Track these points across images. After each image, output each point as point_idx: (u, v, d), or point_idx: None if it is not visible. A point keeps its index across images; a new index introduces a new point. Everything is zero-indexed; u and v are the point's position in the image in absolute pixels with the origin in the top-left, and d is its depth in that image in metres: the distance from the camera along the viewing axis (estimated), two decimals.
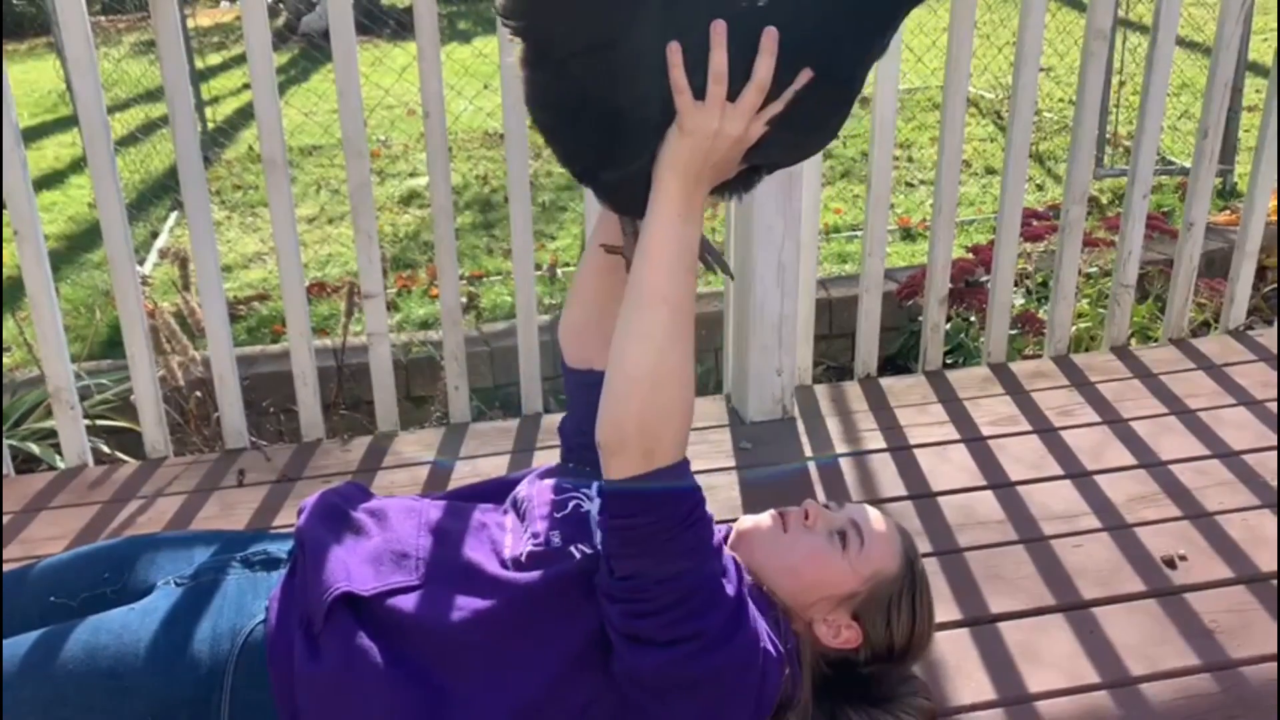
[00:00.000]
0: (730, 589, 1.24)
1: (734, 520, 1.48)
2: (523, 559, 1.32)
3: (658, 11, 1.07)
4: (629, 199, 1.16)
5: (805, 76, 1.07)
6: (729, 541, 1.45)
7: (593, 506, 1.39)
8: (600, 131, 1.13)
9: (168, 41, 2.06)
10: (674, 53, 1.06)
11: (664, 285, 1.15)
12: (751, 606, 1.27)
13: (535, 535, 1.35)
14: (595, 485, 1.51)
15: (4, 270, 4.08)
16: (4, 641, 1.30)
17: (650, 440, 1.16)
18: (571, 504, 1.41)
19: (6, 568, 1.70)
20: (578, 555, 1.30)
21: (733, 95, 1.07)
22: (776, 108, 1.09)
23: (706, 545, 1.23)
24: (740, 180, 1.19)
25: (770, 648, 1.26)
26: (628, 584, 1.21)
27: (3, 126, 2.04)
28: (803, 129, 1.13)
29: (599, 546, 1.29)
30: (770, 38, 1.05)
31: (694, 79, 1.06)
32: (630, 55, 1.08)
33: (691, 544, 1.21)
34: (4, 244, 4.06)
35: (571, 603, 1.27)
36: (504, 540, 1.38)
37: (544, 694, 1.26)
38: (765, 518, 1.43)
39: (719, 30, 1.05)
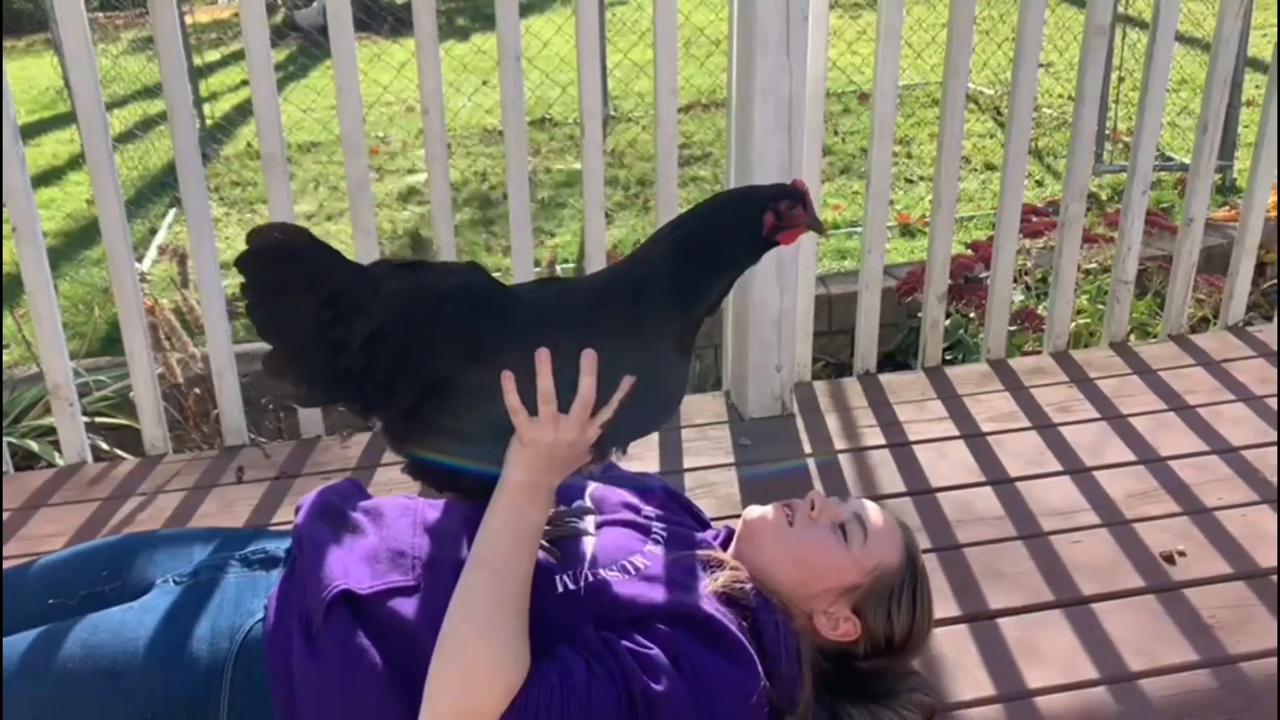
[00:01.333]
0: (638, 713, 1.19)
1: (736, 517, 1.49)
2: None
3: (471, 350, 1.24)
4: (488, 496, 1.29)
5: (627, 384, 1.23)
6: (735, 535, 1.46)
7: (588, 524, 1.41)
8: (450, 451, 1.30)
9: (166, 38, 2.06)
10: (507, 380, 1.21)
11: (487, 550, 1.23)
12: (711, 661, 1.24)
13: None
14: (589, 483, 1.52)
15: (3, 267, 4.07)
16: (4, 639, 1.30)
17: (467, 702, 1.16)
18: (575, 503, 1.42)
19: (5, 565, 1.69)
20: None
21: (564, 408, 1.21)
22: (606, 414, 1.23)
23: None
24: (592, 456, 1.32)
25: (744, 694, 1.24)
26: None
27: (2, 123, 2.03)
28: (636, 422, 1.29)
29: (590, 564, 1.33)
30: (590, 359, 1.21)
31: (526, 400, 1.22)
32: (465, 389, 1.25)
33: None
34: (3, 241, 4.06)
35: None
36: None
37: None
38: (770, 510, 1.44)
39: (543, 358, 1.21)
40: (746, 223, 1.26)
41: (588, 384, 1.21)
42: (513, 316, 1.27)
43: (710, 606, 1.30)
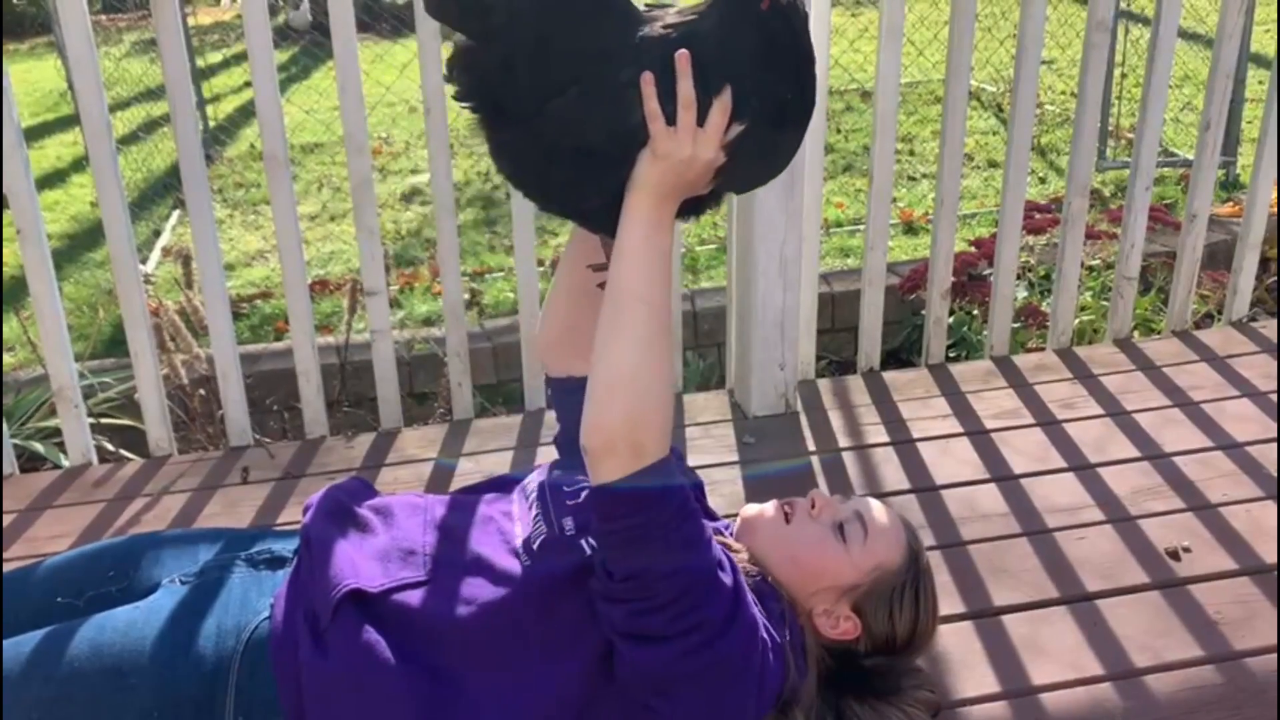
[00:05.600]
0: (727, 579, 1.24)
1: (737, 515, 1.49)
2: (534, 546, 1.33)
3: (604, 51, 1.14)
4: (611, 222, 1.20)
5: (750, 109, 1.14)
6: (734, 530, 1.46)
7: None
8: (572, 171, 1.19)
9: (168, 40, 2.06)
10: (648, 83, 1.11)
11: (641, 286, 1.18)
12: (749, 594, 1.27)
13: (547, 521, 1.36)
14: None
15: (8, 270, 4.08)
16: (10, 640, 1.30)
17: (637, 437, 1.17)
18: (584, 493, 1.41)
19: (12, 566, 1.70)
20: (588, 550, 1.30)
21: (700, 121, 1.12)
22: (736, 129, 1.14)
23: (701, 537, 1.23)
24: (693, 206, 1.24)
25: (767, 636, 1.27)
26: (630, 584, 1.21)
27: (5, 125, 2.04)
28: (760, 154, 1.21)
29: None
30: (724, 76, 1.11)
31: (664, 108, 1.12)
32: (592, 97, 1.15)
33: (687, 537, 1.21)
34: (6, 243, 4.07)
35: (583, 599, 1.27)
36: (513, 529, 1.38)
37: (554, 692, 1.26)
38: (770, 507, 1.44)
39: (684, 60, 1.10)
40: None
41: (727, 93, 1.12)
42: (640, 22, 1.17)
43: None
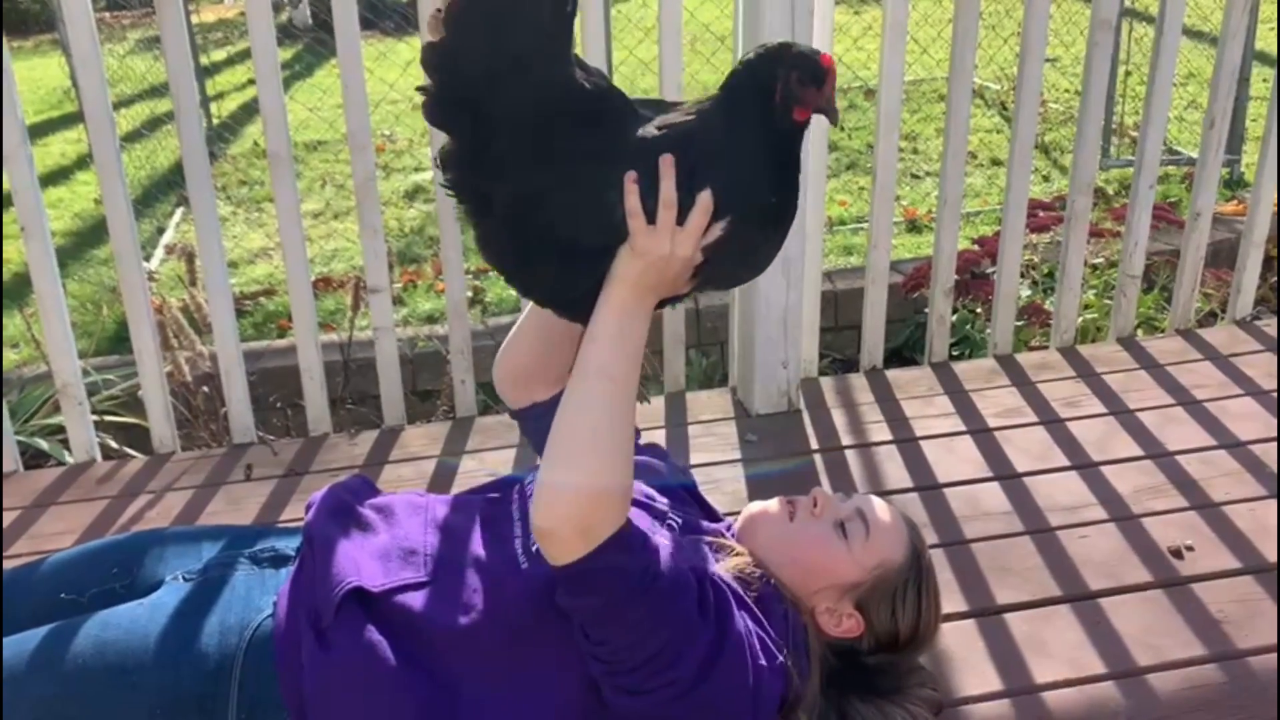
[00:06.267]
0: (705, 631, 1.22)
1: (739, 513, 1.49)
2: (534, 548, 1.33)
3: (590, 153, 1.17)
4: (588, 312, 1.22)
5: (731, 212, 1.16)
6: (736, 528, 1.46)
7: None
8: (554, 264, 1.22)
9: (172, 37, 2.07)
10: (630, 181, 1.14)
11: (608, 363, 1.18)
12: (738, 624, 1.26)
13: None
14: None
15: (12, 267, 4.09)
16: (14, 637, 1.31)
17: (588, 521, 1.16)
18: None
19: (16, 563, 1.70)
20: None
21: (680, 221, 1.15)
22: (716, 231, 1.16)
23: (667, 602, 1.21)
24: (679, 295, 1.26)
25: (765, 660, 1.26)
26: (601, 648, 1.22)
27: (9, 123, 2.04)
28: (739, 255, 1.22)
29: None
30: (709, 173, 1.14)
31: (645, 207, 1.15)
32: (577, 195, 1.18)
33: (649, 608, 1.20)
34: (11, 240, 4.07)
35: None
36: (514, 531, 1.38)
37: (554, 701, 1.27)
38: (773, 504, 1.44)
39: (668, 163, 1.14)
40: (762, 87, 1.17)
41: (708, 194, 1.14)
42: (632, 123, 1.20)
43: (726, 578, 1.31)
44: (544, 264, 1.22)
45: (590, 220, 1.18)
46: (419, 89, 1.16)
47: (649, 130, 1.19)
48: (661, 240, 1.15)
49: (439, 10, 1.12)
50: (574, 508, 1.16)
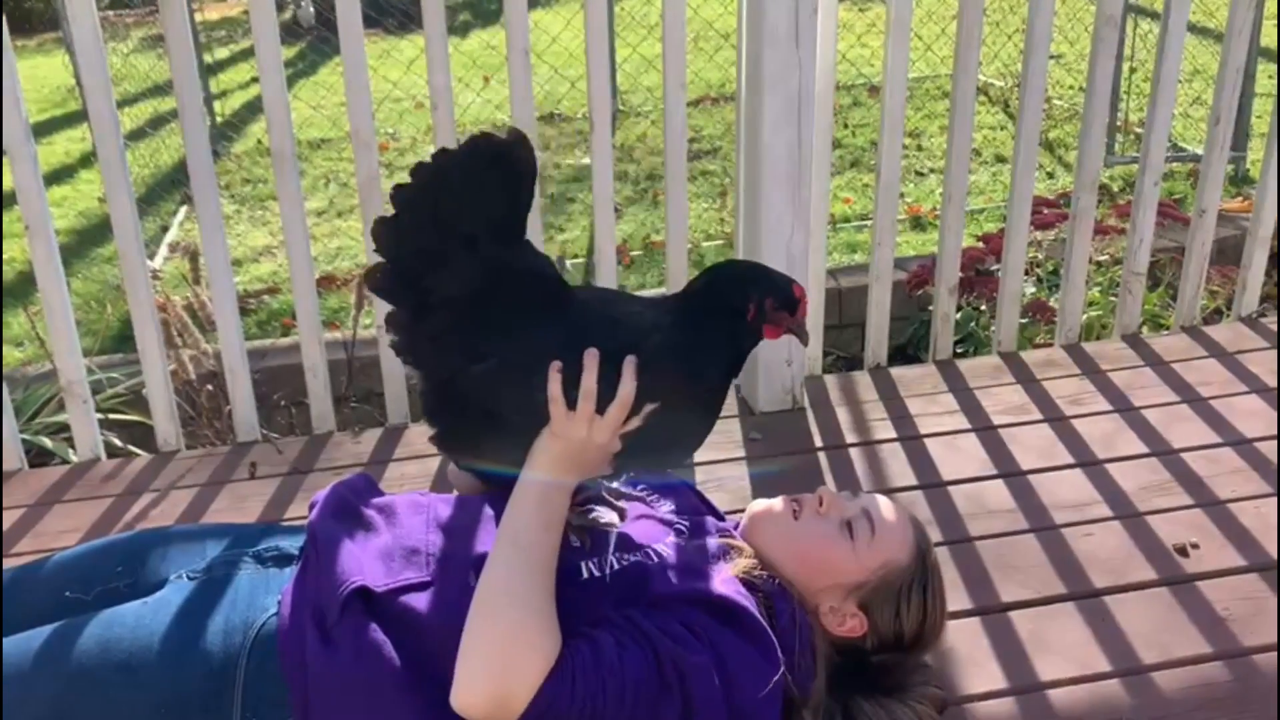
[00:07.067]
0: (670, 702, 1.20)
1: (744, 510, 1.49)
2: None
3: (523, 336, 1.28)
4: (509, 486, 1.30)
5: (652, 406, 1.26)
6: (741, 526, 1.46)
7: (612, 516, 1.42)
8: (478, 428, 1.33)
9: (176, 36, 2.07)
10: (555, 370, 1.24)
11: (521, 530, 1.25)
12: (706, 680, 1.22)
13: None
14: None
15: (17, 266, 4.09)
16: (19, 636, 1.31)
17: (499, 687, 1.15)
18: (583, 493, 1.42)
19: (20, 561, 1.71)
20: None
21: (600, 410, 1.24)
22: (635, 423, 1.26)
23: (620, 701, 1.18)
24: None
25: (753, 690, 1.24)
26: None
27: (13, 122, 2.04)
28: (657, 449, 1.33)
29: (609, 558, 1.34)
30: (632, 365, 1.24)
31: (567, 394, 1.25)
32: (504, 373, 1.28)
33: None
34: (15, 239, 4.08)
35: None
36: None
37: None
38: (778, 502, 1.44)
39: (592, 357, 1.24)
40: (734, 302, 1.29)
41: (628, 389, 1.24)
42: (568, 311, 1.31)
43: (731, 589, 1.30)
44: (470, 426, 1.33)
45: (516, 398, 1.28)
46: (370, 268, 1.30)
47: (590, 317, 1.31)
48: (579, 426, 1.24)
49: (395, 187, 1.26)
50: (488, 669, 1.16)
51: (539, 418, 1.27)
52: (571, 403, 1.24)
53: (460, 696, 1.16)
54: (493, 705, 1.15)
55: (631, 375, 1.24)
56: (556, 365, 1.24)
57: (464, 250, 1.26)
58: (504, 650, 1.16)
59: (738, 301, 1.29)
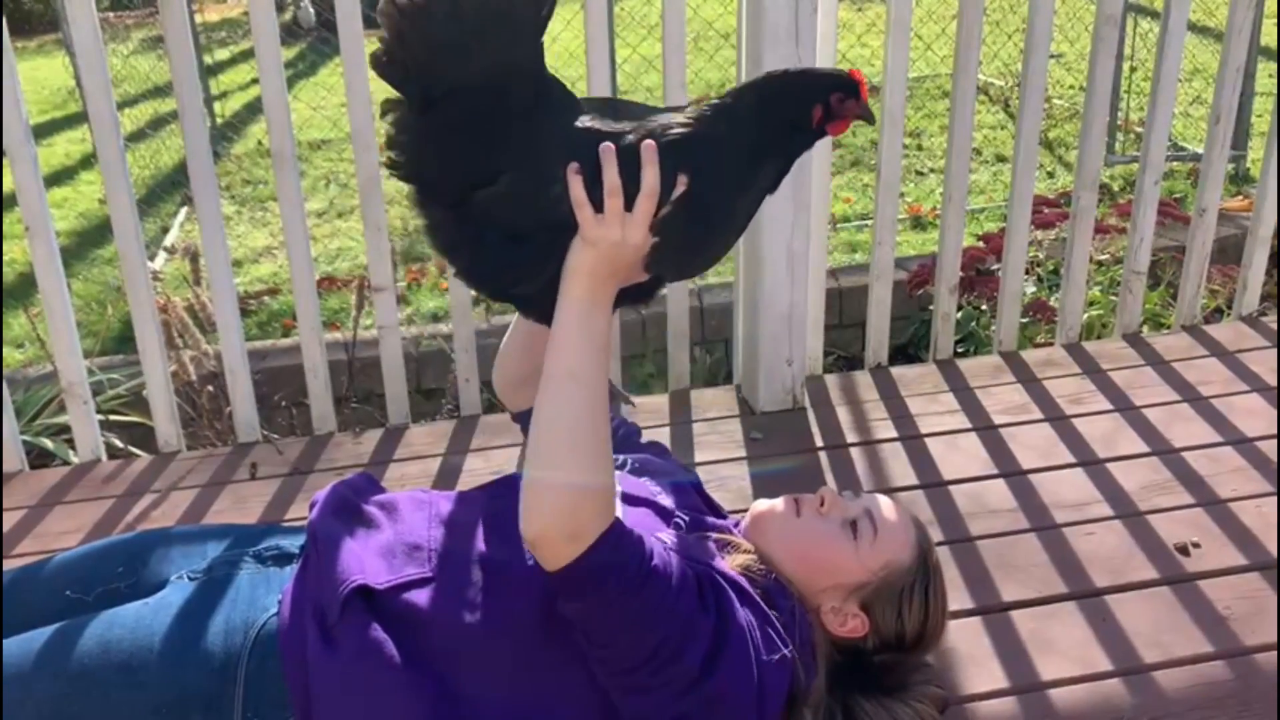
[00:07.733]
0: (706, 620, 1.22)
1: (747, 511, 1.49)
2: None
3: (536, 144, 1.18)
4: (546, 308, 1.22)
5: (683, 184, 1.17)
6: (743, 525, 1.46)
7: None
8: (501, 257, 1.22)
9: (176, 37, 2.07)
10: (574, 172, 1.15)
11: (574, 363, 1.19)
12: (740, 616, 1.26)
13: None
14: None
15: (17, 267, 4.10)
16: (20, 636, 1.31)
17: (574, 526, 1.16)
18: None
19: (21, 562, 1.71)
20: None
21: (627, 207, 1.16)
22: (665, 209, 1.17)
23: (664, 597, 1.21)
24: (641, 291, 1.27)
25: (768, 654, 1.26)
26: (603, 650, 1.22)
27: (13, 123, 2.04)
28: (694, 241, 1.23)
29: None
30: (650, 150, 1.15)
31: (591, 195, 1.16)
32: (521, 185, 1.18)
33: (646, 605, 1.20)
34: (16, 240, 4.08)
35: None
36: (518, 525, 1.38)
37: (562, 691, 1.27)
38: (780, 502, 1.44)
39: (608, 151, 1.15)
40: (793, 113, 1.21)
41: (651, 175, 1.15)
42: (580, 115, 1.22)
43: (732, 573, 1.31)
44: (492, 257, 1.23)
45: (537, 212, 1.19)
46: (380, 40, 1.16)
47: (606, 115, 1.21)
48: (611, 227, 1.16)
49: None
50: (559, 511, 1.16)
51: (566, 231, 1.18)
52: (598, 204, 1.16)
53: (532, 525, 1.16)
54: (567, 537, 1.15)
55: (653, 160, 1.16)
56: (574, 167, 1.15)
57: (476, 42, 1.15)
58: (574, 486, 1.16)
59: (797, 115, 1.21)
